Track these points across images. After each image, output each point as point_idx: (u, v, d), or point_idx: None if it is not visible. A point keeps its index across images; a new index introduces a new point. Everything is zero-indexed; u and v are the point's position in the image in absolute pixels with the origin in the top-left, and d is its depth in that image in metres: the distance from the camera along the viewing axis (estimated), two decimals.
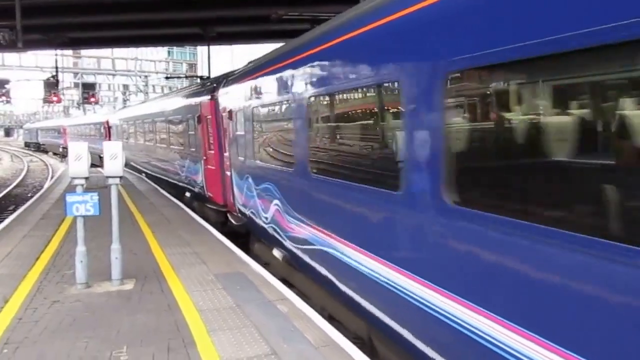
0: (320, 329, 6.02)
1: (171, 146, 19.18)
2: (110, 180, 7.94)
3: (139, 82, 66.95)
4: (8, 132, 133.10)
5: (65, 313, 6.71)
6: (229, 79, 12.58)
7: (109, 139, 33.29)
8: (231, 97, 11.75)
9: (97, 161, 24.94)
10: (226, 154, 12.59)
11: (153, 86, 72.38)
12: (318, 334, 5.89)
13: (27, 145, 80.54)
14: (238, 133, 10.97)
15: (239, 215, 11.43)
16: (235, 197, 11.61)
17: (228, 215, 12.58)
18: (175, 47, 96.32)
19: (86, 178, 7.75)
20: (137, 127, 26.23)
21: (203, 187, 14.85)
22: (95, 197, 7.61)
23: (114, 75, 76.36)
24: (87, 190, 7.76)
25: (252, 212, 10.11)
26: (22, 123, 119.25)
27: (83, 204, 7.56)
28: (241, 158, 10.77)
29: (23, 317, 6.57)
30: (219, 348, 5.55)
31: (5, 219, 14.80)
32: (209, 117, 13.90)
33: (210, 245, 10.38)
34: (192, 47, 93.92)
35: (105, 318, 6.52)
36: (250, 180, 10.08)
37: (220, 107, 12.88)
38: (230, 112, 11.69)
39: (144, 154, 25.26)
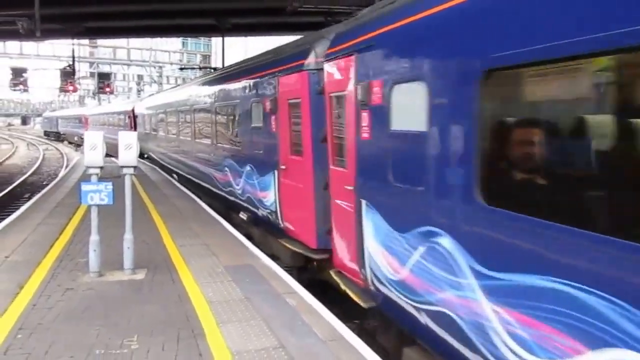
0: (328, 324, 6.05)
1: (219, 144, 13.70)
2: (125, 170, 8.00)
3: (153, 72, 67.18)
4: (25, 121, 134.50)
5: (78, 301, 6.80)
6: (351, 24, 7.36)
7: (134, 129, 29.89)
8: (377, 59, 5.87)
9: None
10: (339, 169, 7.14)
11: (167, 77, 72.58)
12: (326, 328, 5.92)
13: (46, 134, 79.02)
14: (401, 129, 5.36)
15: (372, 288, 6.07)
16: (371, 259, 5.97)
17: (332, 273, 7.42)
18: (189, 39, 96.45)
19: (101, 167, 7.81)
20: (169, 117, 20.93)
21: (275, 212, 9.57)
22: (109, 186, 7.67)
23: (129, 65, 76.62)
24: (101, 179, 7.83)
25: (436, 319, 4.75)
26: (39, 111, 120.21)
27: (97, 193, 7.63)
28: (415, 186, 5.01)
29: (37, 304, 6.67)
30: (227, 339, 5.60)
31: (21, 206, 14.99)
32: (295, 101, 8.64)
33: (220, 238, 10.44)
34: (206, 39, 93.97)
35: (117, 307, 6.59)
36: (450, 247, 4.44)
37: (326, 82, 7.54)
38: (368, 88, 5.94)
39: (176, 151, 19.98)
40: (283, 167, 9.19)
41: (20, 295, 6.97)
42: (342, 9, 13.31)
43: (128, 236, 7.96)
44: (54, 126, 73.44)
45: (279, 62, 9.63)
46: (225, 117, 13.18)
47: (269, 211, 9.97)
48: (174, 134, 20.11)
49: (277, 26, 25.05)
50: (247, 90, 11.15)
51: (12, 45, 43.88)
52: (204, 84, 16.12)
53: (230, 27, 24.11)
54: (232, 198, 12.52)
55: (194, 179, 17.20)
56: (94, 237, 7.76)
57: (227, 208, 13.33)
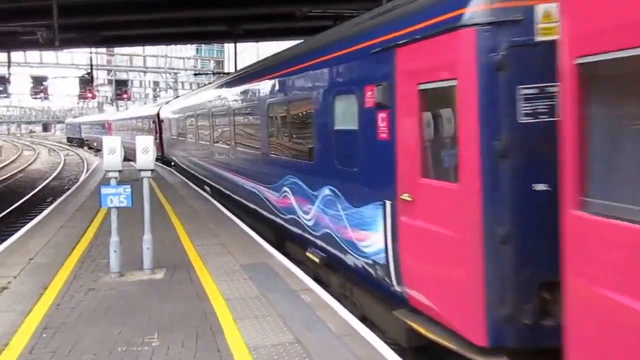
0: (342, 319, 6.06)
1: (273, 154, 9.95)
2: (142, 173, 8.07)
3: (168, 78, 67.52)
4: (46, 128, 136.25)
5: (100, 300, 6.86)
6: None
7: (159, 135, 28.88)
8: None
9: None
10: (615, 222, 3.23)
11: (182, 83, 72.99)
12: (340, 323, 5.93)
13: (69, 140, 77.89)
14: None
15: None
16: None
17: None
18: (203, 45, 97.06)
19: (120, 171, 7.89)
20: (200, 120, 17.65)
21: (385, 267, 5.94)
22: (128, 189, 7.74)
23: (145, 72, 77.17)
24: (120, 182, 7.89)
25: None
26: (59, 118, 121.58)
27: (117, 196, 7.70)
28: None
29: (61, 304, 6.74)
30: (245, 336, 5.62)
31: (43, 210, 15.13)
32: (438, 85, 5.13)
33: (236, 237, 10.47)
34: (219, 45, 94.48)
35: (138, 306, 6.64)
36: None
37: (568, 38, 3.56)
38: None
39: (209, 160, 16.53)
40: (406, 197, 5.42)
41: (44, 296, 7.05)
42: (350, 13, 13.33)
43: (147, 237, 8.02)
44: (76, 132, 72.49)
45: (397, 23, 5.69)
46: (285, 118, 9.55)
47: (369, 262, 6.27)
48: (206, 140, 16.71)
49: (288, 31, 25.07)
50: (325, 78, 7.44)
51: (32, 55, 44.35)
52: (249, 77, 11.80)
53: (242, 33, 24.19)
54: (294, 229, 8.80)
55: (233, 196, 13.55)
56: (114, 239, 7.83)
57: (281, 237, 10.03)
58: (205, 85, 21.74)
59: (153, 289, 7.31)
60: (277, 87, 9.59)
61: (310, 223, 8.08)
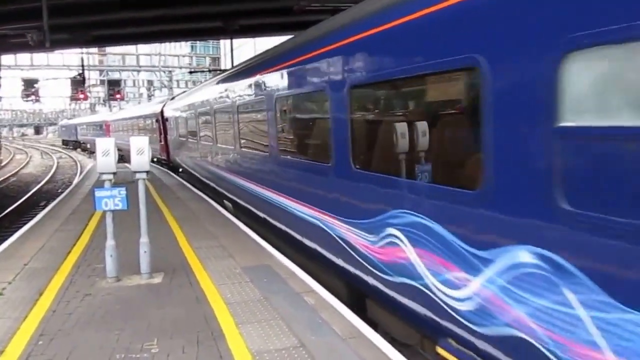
0: (347, 321, 6.05)
1: (356, 168, 6.25)
2: (138, 175, 8.05)
3: (163, 77, 67.54)
4: (38, 130, 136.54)
5: (97, 306, 6.85)
6: None
7: (164, 136, 26.88)
8: None
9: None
10: None
11: (177, 81, 73.01)
12: (345, 325, 5.92)
13: (65, 143, 77.29)
14: None
15: None
16: None
17: None
18: (198, 42, 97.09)
19: (114, 173, 7.86)
20: (219, 118, 14.25)
21: None
22: (123, 191, 7.71)
23: (138, 71, 77.23)
24: (114, 185, 7.87)
25: None
26: (51, 121, 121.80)
27: (111, 199, 7.68)
28: None
29: (57, 310, 6.73)
30: (247, 340, 5.61)
31: (37, 214, 15.13)
32: None
33: (237, 239, 10.44)
34: (215, 41, 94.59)
35: (136, 311, 6.63)
36: None
37: None
38: None
39: (233, 169, 13.08)
40: None
41: (39, 301, 7.04)
42: (349, 6, 13.33)
43: (144, 240, 8.00)
44: (72, 135, 71.45)
45: None
46: (390, 109, 6.28)
47: None
48: (228, 144, 13.26)
49: (285, 26, 25.10)
50: (531, 19, 3.60)
51: (23, 57, 44.38)
52: (310, 47, 7.55)
53: (238, 29, 24.22)
54: (410, 303, 5.30)
55: (270, 220, 10.13)
56: (110, 243, 7.82)
57: (362, 295, 6.72)
58: (225, 71, 17.46)
59: (151, 294, 7.29)
60: (374, 56, 5.78)
61: (463, 306, 4.49)
